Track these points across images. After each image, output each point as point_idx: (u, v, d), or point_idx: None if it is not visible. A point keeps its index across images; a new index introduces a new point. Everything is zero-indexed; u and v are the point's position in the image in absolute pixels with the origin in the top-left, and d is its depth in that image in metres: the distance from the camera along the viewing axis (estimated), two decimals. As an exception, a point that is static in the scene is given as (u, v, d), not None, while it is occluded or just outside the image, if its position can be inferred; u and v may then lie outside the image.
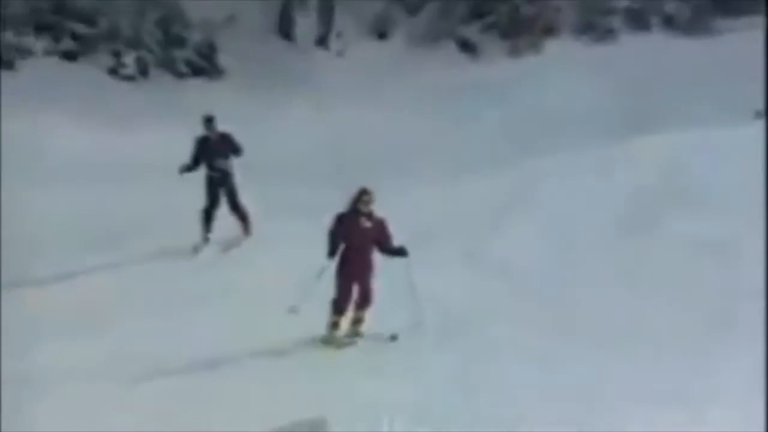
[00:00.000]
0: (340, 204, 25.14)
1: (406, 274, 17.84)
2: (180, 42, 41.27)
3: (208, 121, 22.71)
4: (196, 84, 40.25)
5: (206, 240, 22.37)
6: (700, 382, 16.00)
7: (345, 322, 17.89)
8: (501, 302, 19.11)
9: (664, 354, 17.18)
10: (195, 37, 41.50)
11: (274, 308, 18.71)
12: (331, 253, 17.79)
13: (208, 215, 22.34)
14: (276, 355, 17.61)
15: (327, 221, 23.71)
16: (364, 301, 17.88)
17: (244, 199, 23.63)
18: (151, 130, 29.70)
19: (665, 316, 18.55)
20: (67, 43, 39.92)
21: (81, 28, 40.09)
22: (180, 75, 40.80)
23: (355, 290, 17.79)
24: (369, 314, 18.36)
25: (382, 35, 44.45)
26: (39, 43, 39.59)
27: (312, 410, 15.49)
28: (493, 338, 18.11)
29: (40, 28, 39.90)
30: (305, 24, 43.64)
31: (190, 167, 22.50)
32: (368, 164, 30.57)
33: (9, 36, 38.92)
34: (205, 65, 41.19)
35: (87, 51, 40.00)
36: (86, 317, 19.68)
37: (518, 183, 24.76)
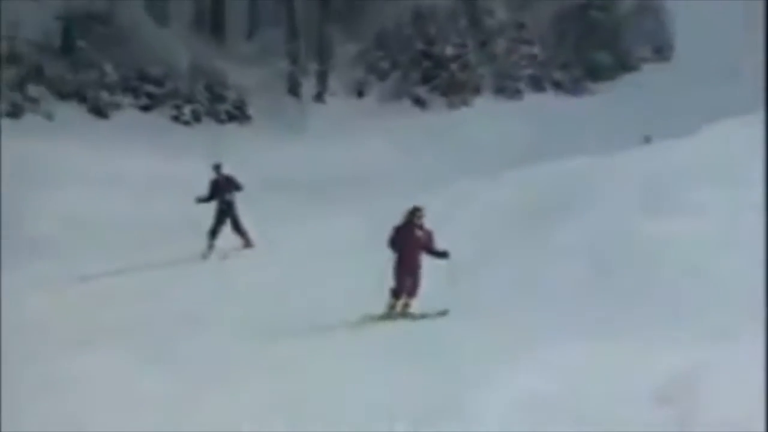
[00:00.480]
0: (330, 213, 24.76)
1: (447, 272, 16.94)
2: (221, 98, 40.96)
3: (217, 167, 22.15)
4: (232, 127, 39.93)
5: (211, 247, 21.55)
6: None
7: (399, 305, 17.09)
8: (443, 288, 18.00)
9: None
10: (231, 95, 41.21)
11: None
12: (394, 252, 16.85)
13: (213, 233, 21.67)
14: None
15: (317, 226, 23.28)
16: (414, 290, 17.11)
17: (257, 210, 22.82)
18: (200, 161, 29.17)
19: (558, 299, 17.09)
20: (144, 100, 39.63)
21: (153, 89, 39.85)
22: (221, 121, 40.44)
23: (408, 282, 17.06)
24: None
25: (360, 94, 44.09)
26: (125, 100, 39.34)
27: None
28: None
29: (126, 90, 39.61)
30: (307, 85, 43.22)
31: (204, 200, 21.94)
32: (349, 183, 30.42)
33: (105, 95, 38.72)
34: (238, 114, 40.91)
35: (157, 105, 39.66)
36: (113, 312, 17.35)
37: (454, 197, 24.18)
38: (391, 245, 16.84)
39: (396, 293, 16.80)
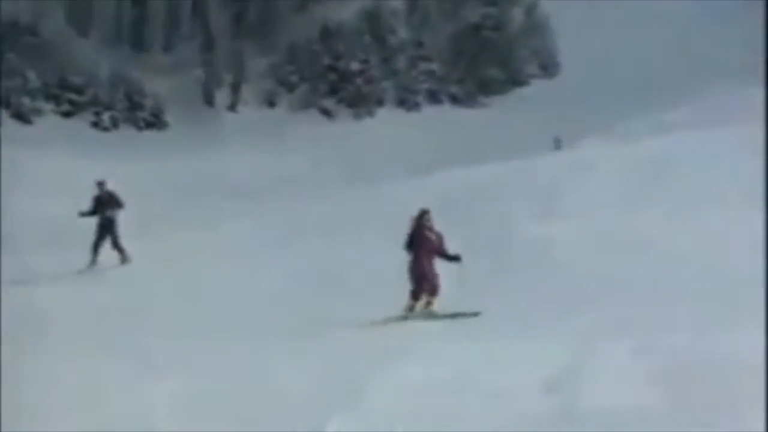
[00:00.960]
0: (244, 215, 24.02)
1: (459, 274, 16.15)
2: (140, 106, 40.50)
3: (100, 184, 20.84)
4: (149, 134, 39.58)
5: (94, 262, 20.42)
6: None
7: (419, 306, 16.18)
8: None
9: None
10: (149, 103, 40.77)
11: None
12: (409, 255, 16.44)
13: (95, 247, 20.43)
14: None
15: (232, 228, 22.48)
16: (434, 290, 16.16)
17: (173, 212, 22.08)
18: (118, 165, 28.23)
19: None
20: (65, 106, 39.12)
21: (74, 96, 39.29)
22: (139, 128, 40.06)
23: (425, 284, 16.15)
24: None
25: (271, 104, 43.96)
26: (47, 106, 38.90)
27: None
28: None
29: (48, 96, 39.14)
30: (222, 95, 42.98)
31: (87, 214, 20.71)
32: (261, 188, 29.84)
33: (27, 101, 38.21)
34: (155, 121, 40.52)
35: (78, 111, 39.14)
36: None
37: (362, 202, 23.71)
38: (407, 248, 16.11)
39: (415, 294, 16.01)
